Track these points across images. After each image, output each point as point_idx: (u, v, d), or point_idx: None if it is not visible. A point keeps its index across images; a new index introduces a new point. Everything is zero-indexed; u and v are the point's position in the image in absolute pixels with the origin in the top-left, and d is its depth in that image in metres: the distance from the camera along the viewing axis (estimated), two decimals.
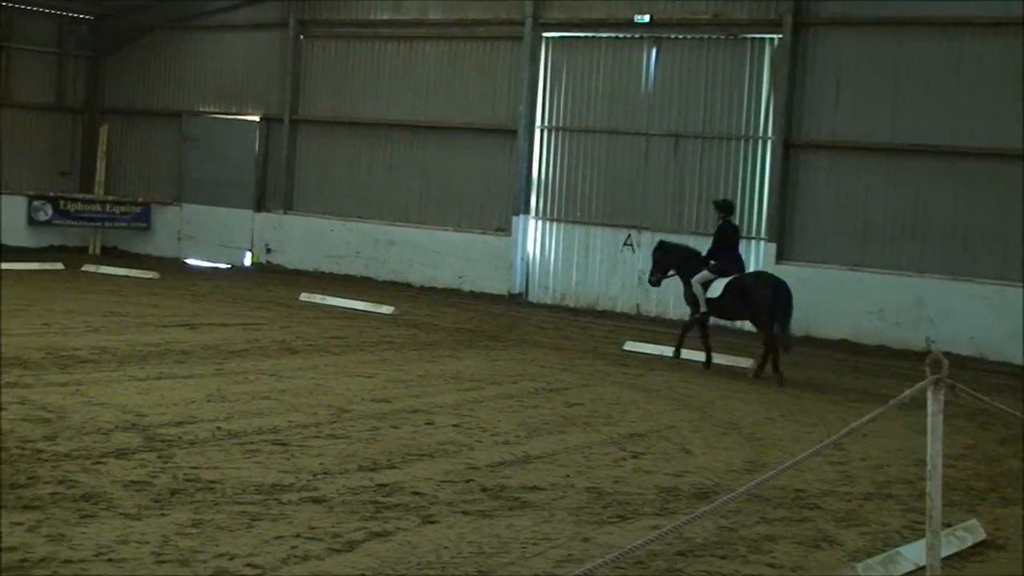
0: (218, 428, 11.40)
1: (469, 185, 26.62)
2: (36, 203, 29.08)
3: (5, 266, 24.60)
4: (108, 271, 25.88)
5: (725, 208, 18.48)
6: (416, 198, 27.29)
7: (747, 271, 18.66)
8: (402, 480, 9.91)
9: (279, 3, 29.28)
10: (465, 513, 9.10)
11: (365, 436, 11.57)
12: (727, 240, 18.18)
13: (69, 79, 31.95)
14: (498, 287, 25.72)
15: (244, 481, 9.47)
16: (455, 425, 12.48)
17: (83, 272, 25.59)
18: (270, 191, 29.54)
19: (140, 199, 30.64)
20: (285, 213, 29.08)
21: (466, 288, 26.07)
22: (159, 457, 10.07)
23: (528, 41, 25.50)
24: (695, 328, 18.30)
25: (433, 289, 26.22)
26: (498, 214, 26.02)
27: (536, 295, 25.54)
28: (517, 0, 25.76)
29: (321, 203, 28.70)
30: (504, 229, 25.80)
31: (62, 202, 29.56)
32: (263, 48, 29.71)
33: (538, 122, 25.65)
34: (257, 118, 29.76)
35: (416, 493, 9.53)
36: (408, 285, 26.57)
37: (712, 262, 18.05)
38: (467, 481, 10.05)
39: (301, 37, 29.07)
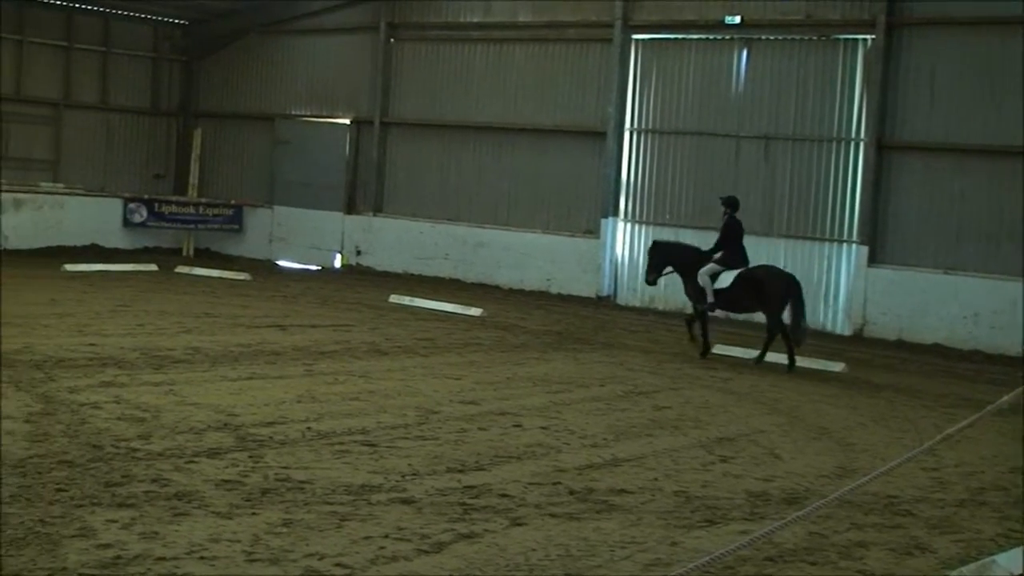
0: (308, 428, 11.50)
1: (558, 187, 26.60)
2: (131, 205, 29.53)
3: (101, 267, 25.07)
4: (201, 272, 26.21)
5: (731, 204, 18.92)
6: (505, 200, 27.33)
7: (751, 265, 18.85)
8: (490, 482, 9.92)
9: (370, 6, 29.47)
10: (553, 515, 9.09)
11: (453, 438, 11.61)
12: (733, 234, 18.68)
13: (164, 83, 32.46)
14: (586, 289, 25.68)
15: (334, 481, 9.54)
16: (543, 427, 12.48)
17: (176, 273, 25.95)
18: (360, 193, 29.75)
19: (232, 201, 31.00)
20: (375, 215, 29.27)
21: (554, 290, 26.06)
22: (250, 457, 10.18)
23: (618, 43, 25.43)
24: (699, 319, 18.87)
25: (521, 291, 26.25)
26: (587, 216, 25.99)
27: (624, 297, 25.46)
28: (607, 2, 25.70)
29: (410, 205, 28.84)
30: (593, 231, 25.75)
31: (157, 204, 29.99)
32: (354, 51, 29.93)
33: (627, 124, 25.57)
34: (348, 121, 30.00)
35: (504, 495, 9.54)
36: (496, 287, 26.63)
37: (718, 255, 18.54)
38: (555, 483, 10.04)
39: (391, 40, 29.25)
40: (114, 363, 14.33)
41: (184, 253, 29.95)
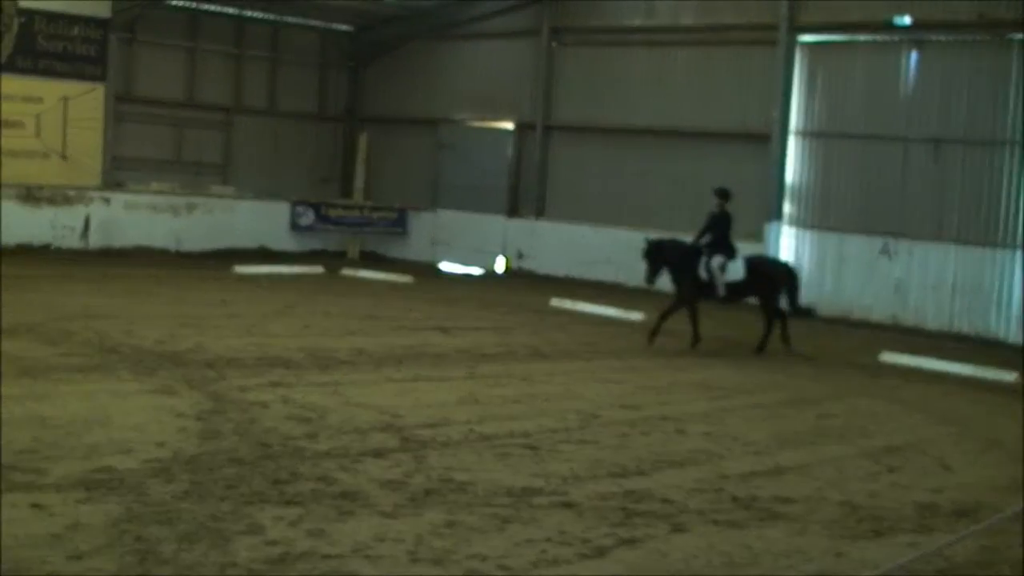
0: (471, 430, 11.59)
1: None
2: (299, 209, 30.11)
3: (270, 269, 25.64)
4: (365, 275, 26.60)
5: (724, 195, 19.35)
6: (667, 204, 27.13)
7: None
8: (652, 487, 9.87)
9: (532, 11, 29.59)
10: (715, 522, 9.01)
11: (615, 442, 11.59)
12: (721, 225, 19.04)
13: (331, 88, 33.06)
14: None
15: (496, 483, 9.59)
16: (705, 433, 12.39)
17: (342, 276, 26.39)
18: (522, 197, 29.88)
19: (397, 205, 31.40)
20: (537, 219, 29.37)
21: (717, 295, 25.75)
22: (414, 457, 10.30)
23: (782, 45, 25.08)
24: (686, 309, 18.96)
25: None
26: (750, 221, 25.61)
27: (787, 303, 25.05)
28: (771, 3, 25.36)
29: (572, 209, 28.85)
30: (756, 236, 25.41)
31: (323, 208, 30.53)
32: (517, 56, 30.09)
33: (792, 127, 25.21)
34: (510, 125, 30.16)
35: (666, 501, 9.48)
36: (658, 291, 26.41)
37: (705, 241, 19.01)
38: (717, 490, 9.95)
39: (554, 44, 29.32)
40: (282, 363, 14.62)
41: (349, 256, 30.40)
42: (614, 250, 27.49)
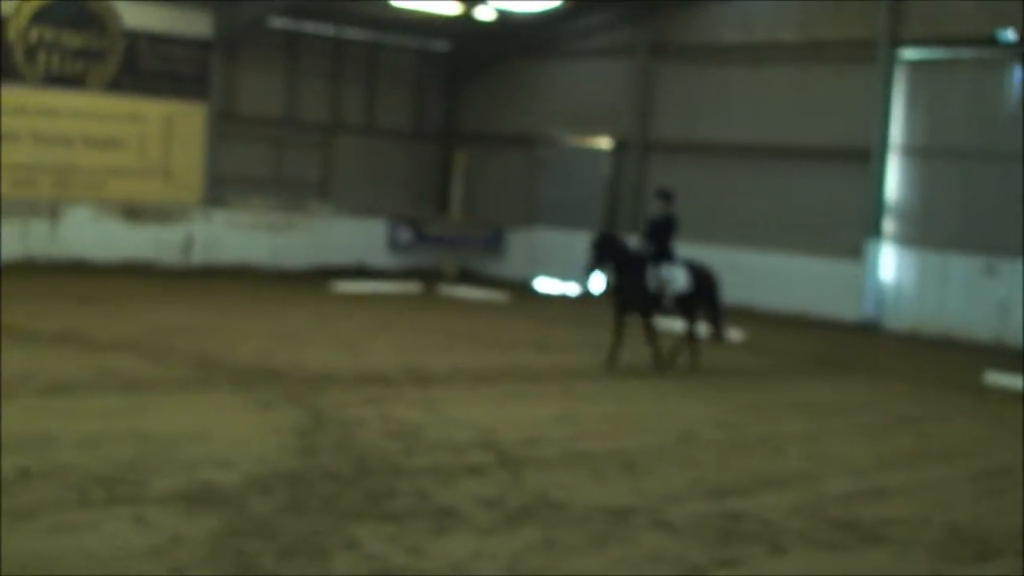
0: (567, 448, 11.55)
1: (819, 208, 26.06)
2: (396, 226, 30.31)
3: (367, 286, 25.83)
4: (462, 293, 26.69)
5: (669, 197, 17.80)
6: (765, 222, 26.92)
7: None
8: (750, 508, 9.76)
9: (630, 28, 29.57)
10: (815, 544, 8.88)
11: (712, 461, 11.49)
12: (671, 232, 17.47)
13: (428, 107, 33.27)
14: (848, 314, 25.04)
15: (592, 502, 9.54)
16: (804, 453, 12.23)
17: (438, 293, 26.50)
18: (619, 215, 29.80)
19: (493, 223, 31.47)
20: (633, 237, 29.23)
21: (814, 314, 25.50)
22: (510, 475, 10.28)
23: (883, 61, 24.79)
24: (643, 326, 17.35)
25: (780, 314, 25.79)
26: (849, 239, 25.34)
27: (888, 323, 24.73)
28: (871, 19, 25.08)
29: None
30: (855, 254, 25.11)
31: (420, 225, 30.71)
32: (614, 73, 30.06)
33: (892, 144, 24.89)
34: (607, 142, 30.12)
35: (764, 521, 9.36)
36: (753, 310, 26.24)
37: (649, 247, 17.35)
38: (817, 511, 9.81)
39: (651, 62, 29.25)
40: (379, 379, 14.70)
41: (446, 273, 30.55)
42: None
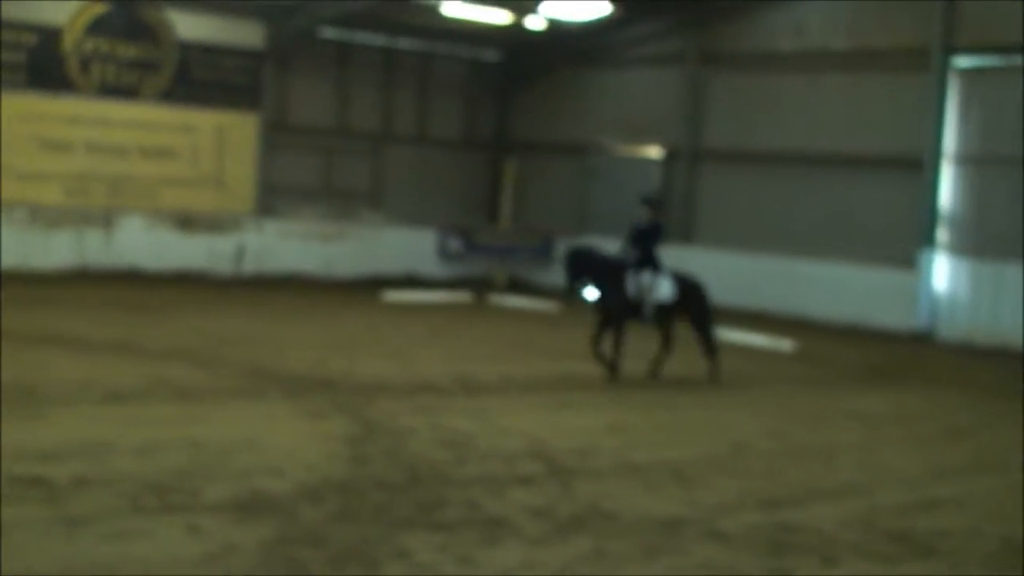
0: (618, 459, 11.53)
1: (872, 218, 25.87)
2: (446, 235, 30.37)
3: (417, 295, 25.89)
4: (512, 302, 26.71)
5: (654, 204, 17.48)
6: (817, 231, 26.75)
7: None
8: (802, 519, 9.70)
9: (680, 37, 29.50)
10: (868, 556, 8.81)
11: (764, 472, 11.43)
12: (657, 240, 16.95)
13: (478, 116, 33.31)
14: (902, 323, 24.82)
15: (643, 512, 9.52)
16: (857, 464, 12.15)
17: (488, 302, 26.53)
18: (670, 224, 29.72)
19: (543, 232, 31.47)
20: (685, 246, 29.20)
21: (868, 324, 25.29)
22: (561, 485, 10.27)
23: (936, 69, 24.59)
24: (613, 333, 16.71)
25: (833, 324, 25.60)
26: (902, 248, 25.13)
27: (942, 333, 24.49)
28: (925, 26, 24.88)
29: (720, 236, 28.61)
30: (909, 263, 24.92)
31: (470, 234, 30.75)
32: (664, 82, 30.00)
33: (946, 153, 24.68)
34: (657, 151, 30.07)
35: (817, 533, 9.30)
36: (807, 319, 26.07)
37: (634, 256, 16.82)
38: (870, 523, 9.73)
39: (702, 70, 29.17)
40: (429, 389, 14.74)
41: (496, 282, 30.56)
42: (762, 277, 27.20)
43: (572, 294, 17.28)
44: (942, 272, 24.60)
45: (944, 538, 9.45)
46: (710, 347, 17.34)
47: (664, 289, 16.81)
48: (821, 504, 10.33)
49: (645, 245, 16.88)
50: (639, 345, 17.42)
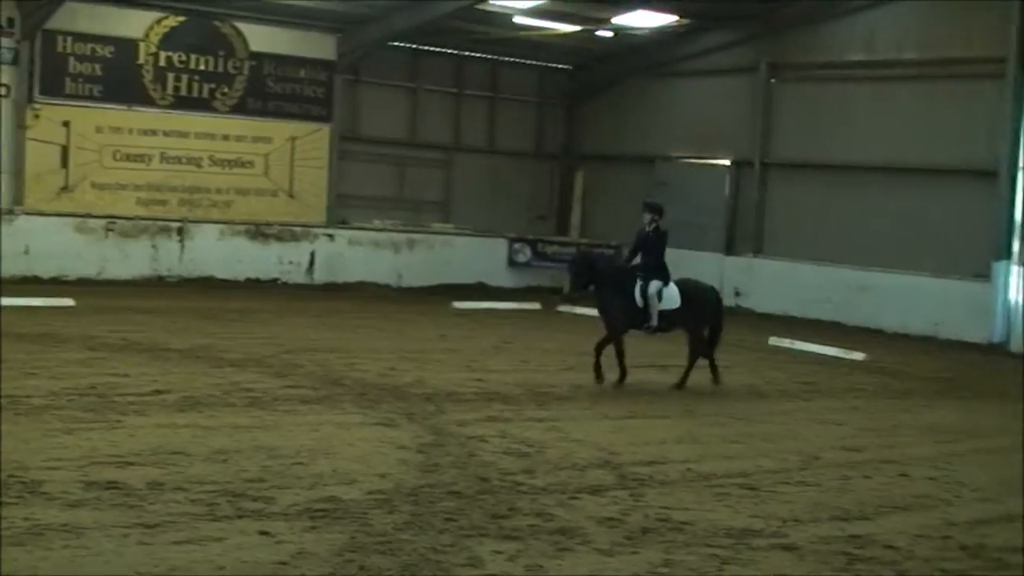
0: (688, 469, 11.50)
1: (945, 229, 25.58)
2: (516, 245, 30.45)
3: (487, 305, 25.94)
4: (581, 312, 26.63)
5: (659, 211, 16.83)
6: (889, 242, 26.50)
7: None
8: (875, 532, 9.62)
9: (751, 47, 29.38)
10: (943, 571, 8.73)
11: (836, 485, 11.34)
12: (662, 247, 16.60)
13: (548, 126, 33.37)
14: (976, 335, 24.49)
15: (714, 524, 9.49)
16: (931, 478, 12.01)
17: (558, 312, 26.49)
18: (740, 235, 29.61)
19: (613, 242, 31.41)
20: (755, 256, 29.06)
21: (942, 336, 24.99)
22: (631, 495, 10.26)
23: (1011, 78, 24.28)
24: (615, 343, 16.52)
25: (906, 336, 25.33)
26: (977, 259, 24.80)
27: (1018, 345, 24.15)
28: (999, 35, 24.57)
29: (791, 247, 28.43)
30: (984, 275, 24.60)
31: (540, 244, 30.80)
32: (733, 92, 29.88)
33: (1021, 163, 24.36)
34: (727, 162, 29.96)
35: (890, 547, 9.22)
36: (880, 331, 25.81)
37: (638, 262, 16.64)
38: (945, 537, 9.63)
39: (772, 80, 29.04)
40: (499, 398, 14.78)
41: (565, 292, 30.46)
42: (834, 288, 26.99)
43: (570, 301, 17.50)
44: (1017, 284, 24.24)
45: (1018, 554, 9.32)
46: (706, 353, 17.06)
47: (670, 297, 16.65)
48: (894, 517, 10.24)
49: (649, 252, 16.69)
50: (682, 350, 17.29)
